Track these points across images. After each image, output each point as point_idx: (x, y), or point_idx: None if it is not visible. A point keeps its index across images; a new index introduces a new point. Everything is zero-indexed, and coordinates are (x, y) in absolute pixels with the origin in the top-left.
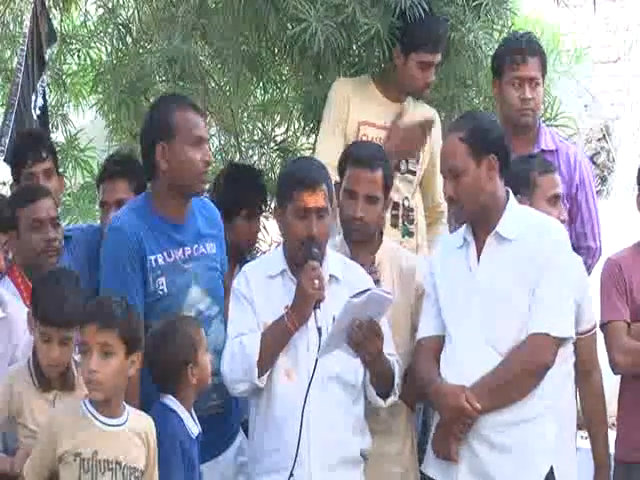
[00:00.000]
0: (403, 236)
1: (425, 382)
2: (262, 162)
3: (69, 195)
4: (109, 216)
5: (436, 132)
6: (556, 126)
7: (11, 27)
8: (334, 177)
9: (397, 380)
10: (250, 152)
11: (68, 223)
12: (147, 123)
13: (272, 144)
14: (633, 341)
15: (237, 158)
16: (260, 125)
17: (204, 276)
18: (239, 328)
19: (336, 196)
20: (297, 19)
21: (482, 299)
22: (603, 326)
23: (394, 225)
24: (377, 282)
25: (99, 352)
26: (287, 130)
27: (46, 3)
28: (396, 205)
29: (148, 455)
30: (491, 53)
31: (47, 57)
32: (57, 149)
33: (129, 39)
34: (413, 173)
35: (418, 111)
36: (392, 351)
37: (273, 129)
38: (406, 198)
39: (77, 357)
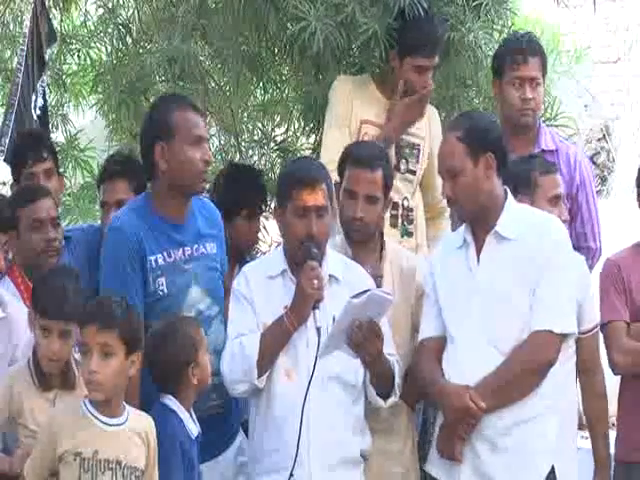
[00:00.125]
0: (402, 236)
1: (428, 382)
2: (262, 162)
3: (69, 195)
4: (109, 216)
5: (436, 130)
6: (556, 126)
7: (11, 27)
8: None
9: (397, 380)
10: (250, 152)
11: (68, 223)
12: (146, 123)
13: (272, 144)
14: (633, 341)
15: (237, 158)
16: (260, 125)
17: (204, 276)
18: (239, 329)
19: (336, 196)
20: (297, 18)
21: (482, 299)
22: (603, 326)
23: (393, 225)
24: (380, 278)
25: (99, 353)
26: (287, 130)
27: (46, 3)
28: (396, 205)
29: (148, 455)
30: (491, 53)
31: (47, 57)
32: (57, 149)
33: (129, 39)
34: (413, 173)
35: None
36: (392, 351)
37: (273, 129)
38: (406, 198)
39: (77, 356)
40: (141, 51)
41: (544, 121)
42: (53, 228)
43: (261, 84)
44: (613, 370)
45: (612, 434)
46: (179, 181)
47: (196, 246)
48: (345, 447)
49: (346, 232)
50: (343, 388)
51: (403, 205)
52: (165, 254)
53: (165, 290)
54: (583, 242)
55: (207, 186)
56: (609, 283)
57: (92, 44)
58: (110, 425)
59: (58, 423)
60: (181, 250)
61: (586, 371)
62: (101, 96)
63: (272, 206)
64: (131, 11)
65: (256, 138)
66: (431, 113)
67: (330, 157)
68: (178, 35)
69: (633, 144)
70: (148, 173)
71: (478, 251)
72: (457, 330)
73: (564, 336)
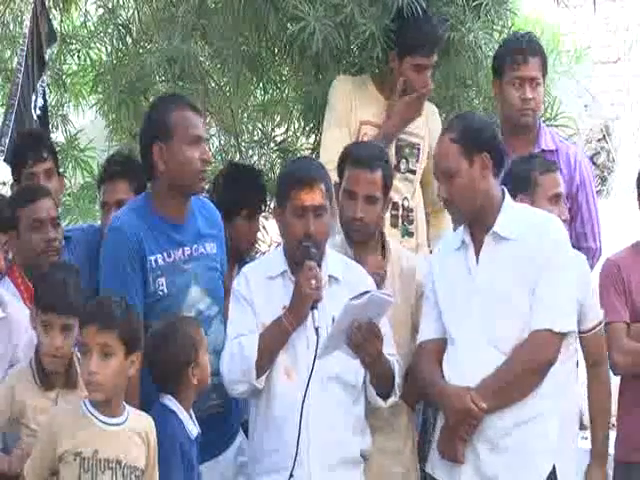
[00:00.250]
0: (403, 236)
1: (428, 384)
2: (262, 162)
3: (69, 195)
4: (109, 217)
5: (436, 128)
6: (556, 126)
7: (11, 27)
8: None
9: (397, 380)
10: (250, 152)
11: (68, 223)
12: (145, 123)
13: (272, 144)
14: (633, 342)
15: (237, 158)
16: (260, 125)
17: (204, 276)
18: (238, 329)
19: (336, 197)
20: (296, 19)
21: (482, 299)
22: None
23: (394, 225)
24: (384, 272)
25: (99, 353)
26: (287, 130)
27: (46, 3)
28: (396, 205)
29: (148, 454)
30: (491, 53)
31: (47, 57)
32: (57, 149)
33: (129, 39)
34: (413, 172)
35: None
36: (393, 351)
37: (273, 129)
38: (406, 198)
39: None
40: (141, 51)
41: (544, 121)
42: (53, 228)
43: (261, 84)
44: (613, 371)
45: (612, 434)
46: (178, 181)
47: (196, 246)
48: (345, 447)
49: (346, 232)
50: (343, 388)
51: (403, 205)
52: (165, 254)
53: (165, 290)
54: (583, 242)
55: (207, 186)
56: (609, 283)
57: (92, 44)
58: (110, 425)
59: (58, 423)
60: (181, 250)
61: (592, 363)
62: (101, 96)
63: (272, 206)
64: (131, 11)
65: (256, 138)
66: (430, 111)
67: (329, 157)
68: (178, 35)
69: (633, 144)
70: (147, 173)
71: (477, 252)
72: (457, 331)
73: (564, 335)
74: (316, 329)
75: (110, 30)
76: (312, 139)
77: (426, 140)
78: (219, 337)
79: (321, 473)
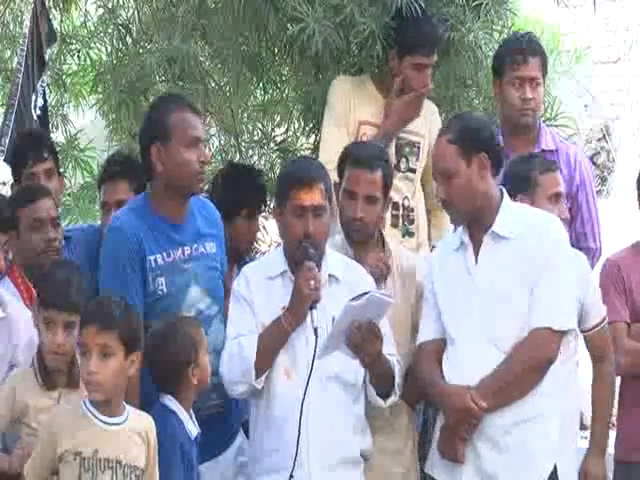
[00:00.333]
0: (403, 236)
1: (428, 384)
2: (262, 162)
3: (69, 195)
4: (109, 217)
5: (436, 126)
6: (556, 126)
7: (11, 27)
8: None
9: (398, 380)
10: (250, 152)
11: (68, 223)
12: (144, 123)
13: (272, 144)
14: (633, 342)
15: (237, 158)
16: (260, 125)
17: (204, 276)
18: (238, 329)
19: (335, 197)
20: (296, 19)
21: (482, 299)
22: None
23: (394, 225)
24: (387, 268)
25: (98, 353)
26: (287, 130)
27: (46, 3)
28: (396, 205)
29: (148, 454)
30: (491, 53)
31: (47, 57)
32: (57, 149)
33: (129, 39)
34: (413, 171)
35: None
36: (393, 351)
37: (273, 129)
38: (406, 198)
39: None
40: (141, 51)
41: (544, 121)
42: (53, 228)
43: (261, 84)
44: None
45: (612, 434)
46: (177, 182)
47: (195, 246)
48: (345, 447)
49: (346, 232)
50: (343, 388)
51: (404, 205)
52: (164, 254)
53: (165, 290)
54: (583, 242)
55: (206, 186)
56: (609, 283)
57: (92, 44)
58: (110, 424)
59: (58, 423)
60: (180, 250)
61: (595, 357)
62: (101, 96)
63: (272, 206)
64: (131, 11)
65: (256, 138)
66: (430, 110)
67: (329, 157)
68: (178, 35)
69: (633, 144)
70: (147, 173)
71: (476, 252)
72: (457, 331)
73: (563, 333)
74: (315, 329)
75: (110, 30)
76: (312, 139)
77: (426, 138)
78: (219, 337)
79: (321, 473)
